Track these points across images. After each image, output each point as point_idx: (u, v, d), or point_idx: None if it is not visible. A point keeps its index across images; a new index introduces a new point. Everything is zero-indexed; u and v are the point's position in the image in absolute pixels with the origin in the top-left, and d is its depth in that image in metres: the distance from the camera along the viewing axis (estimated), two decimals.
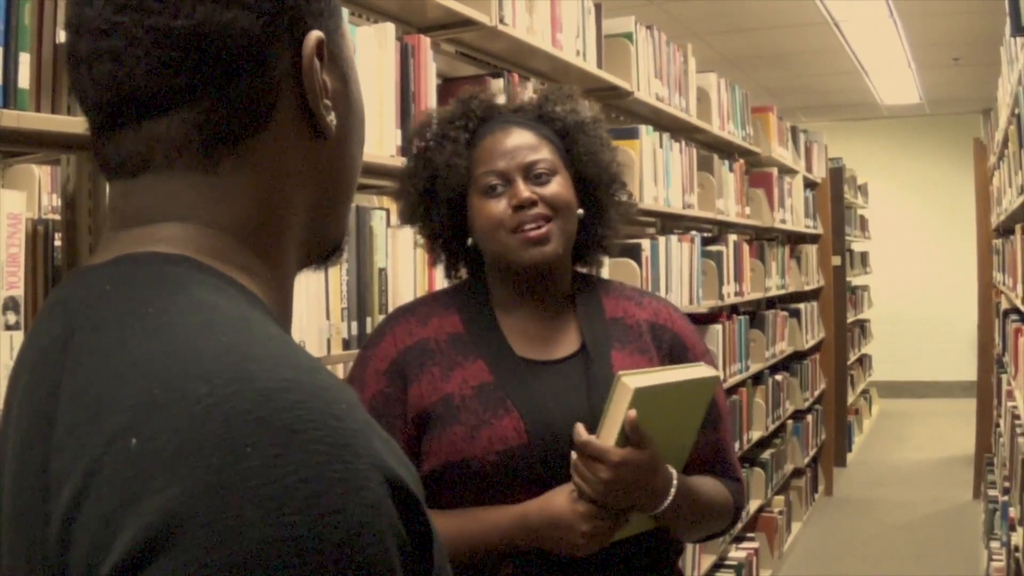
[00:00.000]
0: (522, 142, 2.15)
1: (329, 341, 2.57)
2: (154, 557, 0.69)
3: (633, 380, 1.91)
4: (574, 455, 1.94)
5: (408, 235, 2.90)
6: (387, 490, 0.75)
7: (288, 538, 0.69)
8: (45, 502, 0.77)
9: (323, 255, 1.07)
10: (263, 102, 0.92)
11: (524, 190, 2.10)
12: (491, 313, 2.18)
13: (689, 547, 4.94)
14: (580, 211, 2.21)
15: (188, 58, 0.88)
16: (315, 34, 0.95)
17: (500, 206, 2.11)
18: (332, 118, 0.97)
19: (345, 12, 2.68)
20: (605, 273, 4.00)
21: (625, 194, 2.34)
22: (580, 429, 1.94)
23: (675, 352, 2.22)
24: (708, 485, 2.17)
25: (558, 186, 2.14)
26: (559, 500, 1.95)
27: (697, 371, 2.10)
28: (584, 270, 2.33)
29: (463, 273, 2.32)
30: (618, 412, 1.91)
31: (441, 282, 2.95)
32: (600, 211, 2.26)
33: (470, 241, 2.21)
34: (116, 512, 0.71)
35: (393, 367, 2.11)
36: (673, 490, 2.00)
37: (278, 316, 0.94)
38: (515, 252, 2.10)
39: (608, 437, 1.91)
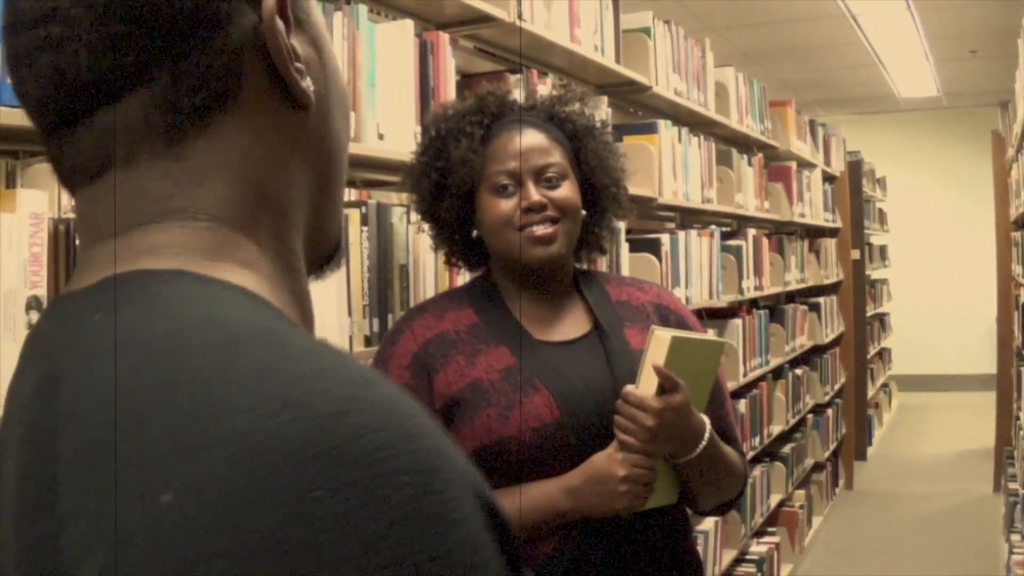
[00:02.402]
0: (535, 144, 2.21)
1: (351, 338, 2.57)
2: None
3: (667, 332, 2.09)
4: (616, 416, 2.06)
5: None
6: (481, 511, 0.64)
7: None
8: None
9: (324, 257, 0.95)
10: (227, 71, 0.80)
11: (535, 193, 2.17)
12: (502, 303, 2.25)
13: (710, 540, 4.93)
14: (583, 212, 2.28)
15: (136, 31, 0.76)
16: None
17: (509, 205, 2.18)
18: (308, 84, 0.85)
19: (364, 9, 2.69)
20: (624, 269, 4.02)
21: (627, 199, 2.42)
22: (629, 387, 2.07)
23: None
24: (724, 446, 2.26)
25: (567, 190, 2.21)
26: (598, 457, 2.07)
27: (712, 337, 2.34)
28: (578, 266, 2.40)
29: (461, 264, 2.42)
30: (656, 361, 2.07)
31: (462, 277, 2.95)
32: (601, 213, 2.35)
33: (475, 233, 2.27)
34: None
35: (416, 360, 2.16)
36: (707, 433, 2.12)
37: (296, 319, 0.83)
38: (520, 249, 2.17)
39: (647, 389, 2.06)
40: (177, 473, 0.59)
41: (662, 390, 2.05)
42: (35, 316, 1.88)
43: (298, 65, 0.84)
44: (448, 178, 2.23)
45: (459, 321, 2.21)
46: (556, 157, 2.22)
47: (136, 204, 0.78)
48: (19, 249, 1.85)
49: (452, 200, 2.24)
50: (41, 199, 1.93)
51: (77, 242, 0.83)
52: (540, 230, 2.16)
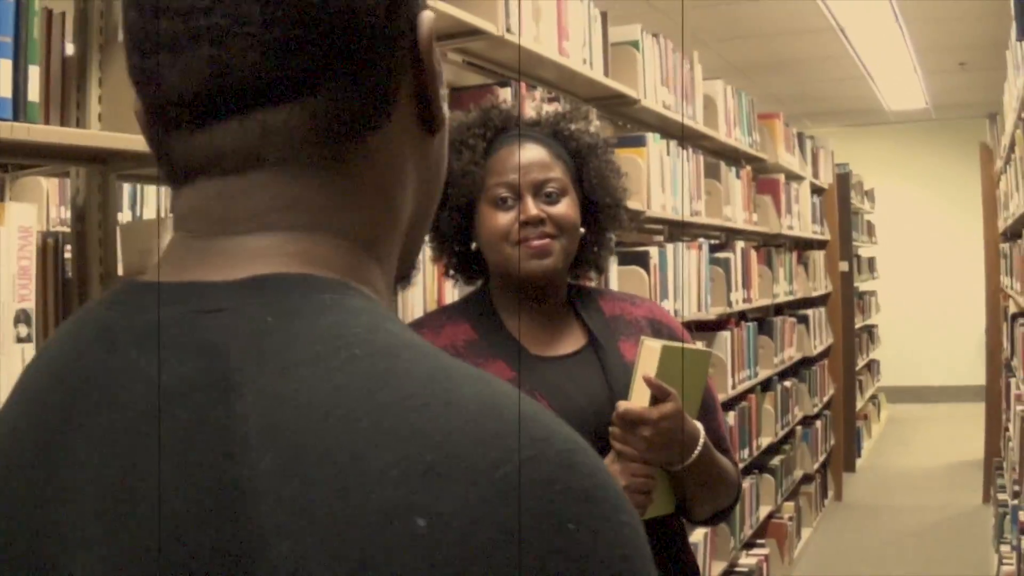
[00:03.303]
0: (536, 158, 2.22)
1: None
2: None
3: (656, 342, 2.12)
4: (612, 427, 2.08)
5: None
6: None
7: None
8: None
9: (402, 275, 0.92)
10: (389, 89, 0.79)
11: (533, 207, 2.17)
12: (499, 318, 2.26)
13: (699, 552, 4.93)
14: (582, 230, 2.28)
15: (313, 38, 0.74)
16: (429, 14, 0.84)
17: (507, 219, 2.18)
18: (446, 108, 0.85)
19: None
20: (613, 282, 4.03)
21: (628, 218, 2.42)
22: (623, 404, 2.08)
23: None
24: (718, 454, 2.27)
25: (566, 207, 2.21)
26: None
27: (697, 346, 2.36)
28: (574, 282, 2.41)
29: (459, 276, 2.40)
30: (647, 372, 2.09)
31: (450, 293, 2.96)
32: (600, 232, 2.35)
33: (474, 245, 2.27)
34: None
35: None
36: (702, 439, 2.14)
37: None
38: (516, 263, 2.17)
39: (640, 400, 2.09)
40: (427, 498, 0.60)
41: (654, 400, 2.07)
42: (23, 329, 1.88)
43: (443, 90, 0.83)
44: (448, 189, 2.22)
45: (456, 336, 2.22)
46: (557, 173, 2.22)
47: (287, 209, 0.76)
48: (8, 263, 1.86)
49: (452, 212, 2.24)
50: (30, 212, 1.93)
51: (172, 231, 0.80)
52: (537, 242, 2.16)
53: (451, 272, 2.40)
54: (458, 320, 2.26)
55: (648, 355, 2.10)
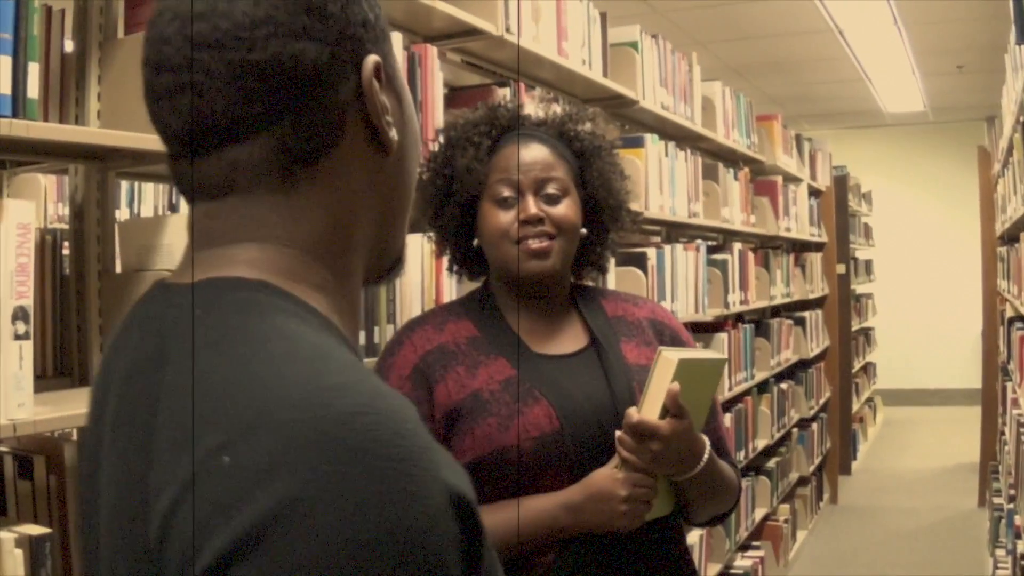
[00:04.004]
0: (539, 158, 2.23)
1: None
2: (243, 558, 0.78)
3: (674, 354, 2.08)
4: (619, 433, 2.08)
5: (416, 244, 2.91)
6: (448, 500, 0.83)
7: (359, 542, 0.78)
8: (146, 505, 0.86)
9: (385, 269, 1.15)
10: (333, 123, 1.00)
11: (533, 206, 2.19)
12: (501, 316, 2.27)
13: (695, 554, 4.93)
14: (583, 231, 2.29)
15: (264, 88, 0.96)
16: (372, 58, 1.03)
17: (508, 217, 2.20)
18: (393, 134, 1.05)
19: None
20: (611, 282, 4.02)
21: (630, 220, 2.43)
22: (632, 412, 2.07)
23: (675, 346, 2.31)
24: (720, 461, 2.27)
25: (566, 208, 2.23)
26: (599, 475, 2.09)
27: (711, 353, 2.34)
28: (576, 282, 2.42)
29: (462, 272, 2.43)
30: (662, 383, 2.06)
31: (448, 291, 2.95)
32: (602, 233, 2.36)
33: (476, 242, 2.29)
34: (210, 520, 0.79)
35: (416, 372, 2.18)
36: (706, 454, 2.13)
37: (348, 329, 1.04)
38: (515, 262, 2.20)
39: (652, 410, 2.06)
40: (236, 443, 0.81)
41: (665, 411, 2.06)
42: (21, 326, 1.88)
43: (387, 118, 1.04)
44: (453, 185, 2.26)
45: (458, 333, 2.23)
46: (559, 173, 2.24)
47: (247, 226, 0.99)
48: (6, 259, 1.85)
49: (455, 208, 2.26)
50: (28, 209, 1.93)
51: (184, 241, 1.06)
52: (536, 244, 2.18)
53: (454, 268, 2.42)
54: (460, 317, 2.27)
55: (665, 367, 2.07)
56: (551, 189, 2.21)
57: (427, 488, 0.82)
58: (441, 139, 2.32)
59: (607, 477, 2.07)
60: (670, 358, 2.07)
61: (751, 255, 6.30)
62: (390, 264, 1.15)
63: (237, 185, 0.99)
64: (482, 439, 2.10)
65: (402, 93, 1.10)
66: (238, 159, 0.98)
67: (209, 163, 0.99)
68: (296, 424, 0.81)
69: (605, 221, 2.34)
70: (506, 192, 2.21)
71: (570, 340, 2.28)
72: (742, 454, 5.86)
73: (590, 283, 2.45)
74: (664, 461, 2.07)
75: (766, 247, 7.10)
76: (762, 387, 6.64)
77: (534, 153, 2.23)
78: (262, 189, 0.99)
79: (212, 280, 0.97)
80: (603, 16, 4.37)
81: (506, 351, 2.21)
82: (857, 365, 11.05)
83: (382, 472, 0.80)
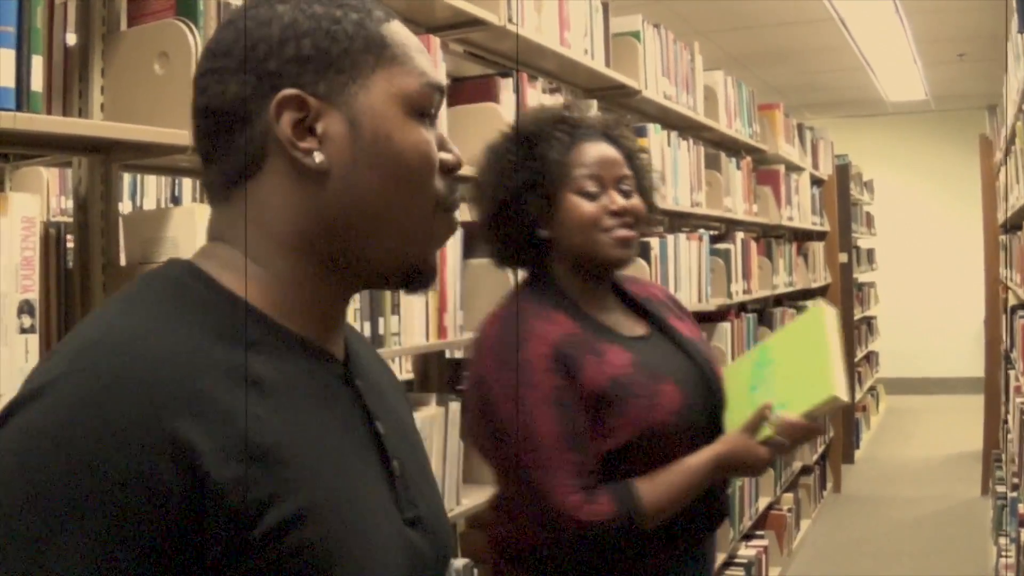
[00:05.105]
0: (615, 156, 2.41)
1: None
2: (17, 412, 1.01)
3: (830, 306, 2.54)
4: (784, 413, 2.31)
5: None
6: (153, 442, 0.96)
7: (41, 430, 0.97)
8: None
9: (400, 280, 1.24)
10: (254, 151, 1.15)
11: (621, 199, 2.36)
12: (577, 305, 2.38)
13: None
14: None
15: (203, 126, 1.19)
16: (282, 93, 1.13)
17: (595, 207, 2.35)
18: (319, 159, 1.14)
19: None
20: None
21: (656, 218, 2.67)
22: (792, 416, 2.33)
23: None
24: None
25: (638, 201, 2.40)
26: (743, 437, 2.33)
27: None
28: None
29: (516, 264, 2.53)
30: (834, 337, 2.49)
31: (452, 283, 2.95)
32: None
33: (545, 233, 2.38)
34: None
35: (556, 359, 2.25)
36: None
37: (305, 319, 1.19)
38: (605, 249, 2.35)
39: (838, 366, 2.45)
40: (48, 385, 1.00)
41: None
42: (27, 320, 1.88)
43: (304, 145, 1.14)
44: (534, 177, 2.35)
45: (563, 324, 2.31)
46: (628, 171, 2.41)
47: (213, 228, 1.21)
48: (11, 253, 1.85)
49: (536, 199, 2.35)
50: (33, 203, 1.93)
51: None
52: (624, 232, 2.36)
53: (505, 259, 2.49)
54: (548, 309, 2.34)
55: (830, 320, 2.49)
56: (625, 186, 2.39)
57: (136, 427, 0.96)
58: (521, 135, 2.42)
59: (752, 442, 2.31)
60: (831, 311, 2.46)
61: (754, 244, 6.30)
62: (403, 275, 1.23)
63: (212, 197, 1.21)
64: (635, 420, 2.23)
65: (360, 120, 1.16)
66: (206, 179, 1.21)
67: (206, 176, 1.22)
68: (79, 353, 1.02)
69: None
70: (592, 186, 2.35)
71: (634, 323, 2.44)
72: None
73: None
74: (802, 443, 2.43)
75: (768, 236, 7.09)
76: None
77: (610, 151, 2.40)
78: (218, 202, 1.20)
79: (172, 260, 1.20)
80: (605, 6, 4.36)
81: (608, 336, 2.34)
82: (860, 354, 11.04)
83: (84, 392, 0.97)
